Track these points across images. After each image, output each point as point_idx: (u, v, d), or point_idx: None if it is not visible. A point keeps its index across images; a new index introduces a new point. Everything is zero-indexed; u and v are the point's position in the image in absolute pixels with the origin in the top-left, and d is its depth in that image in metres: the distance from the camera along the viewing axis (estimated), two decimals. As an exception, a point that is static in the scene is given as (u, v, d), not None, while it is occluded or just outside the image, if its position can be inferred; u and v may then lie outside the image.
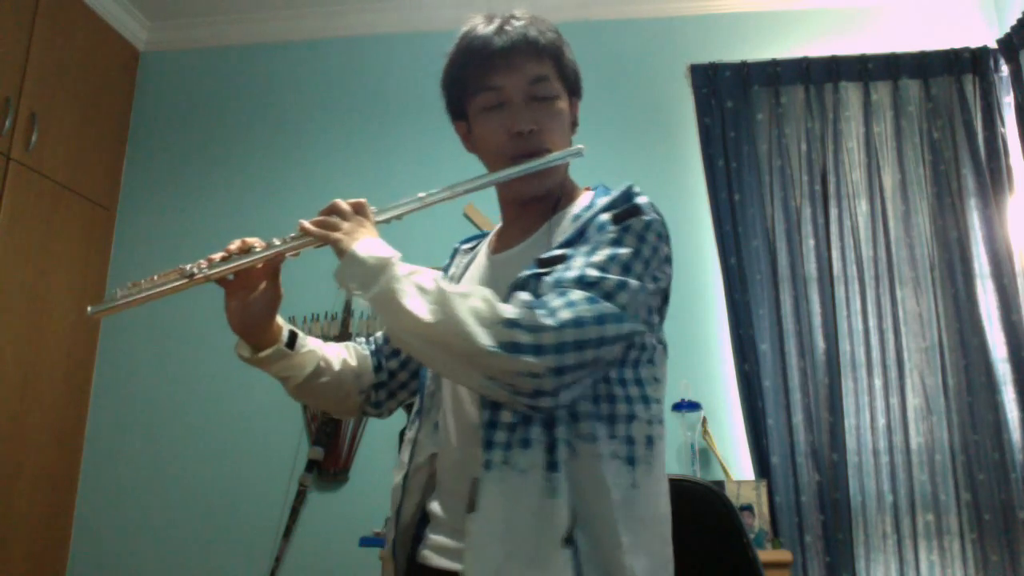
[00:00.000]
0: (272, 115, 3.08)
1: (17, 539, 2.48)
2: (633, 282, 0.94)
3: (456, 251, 1.29)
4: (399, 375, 1.23)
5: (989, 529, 2.37)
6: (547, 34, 1.08)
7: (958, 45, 2.76)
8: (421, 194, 1.07)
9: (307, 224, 1.02)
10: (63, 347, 2.71)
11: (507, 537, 0.88)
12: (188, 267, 1.03)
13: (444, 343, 0.89)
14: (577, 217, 1.05)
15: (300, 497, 2.63)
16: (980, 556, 2.37)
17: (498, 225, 1.23)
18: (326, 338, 1.35)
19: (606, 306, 0.90)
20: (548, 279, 0.94)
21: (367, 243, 0.97)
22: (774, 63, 2.80)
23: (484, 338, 0.86)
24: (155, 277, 1.04)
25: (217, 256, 1.04)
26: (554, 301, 0.90)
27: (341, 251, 0.97)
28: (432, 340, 0.89)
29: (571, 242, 0.99)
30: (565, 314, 0.88)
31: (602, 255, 0.95)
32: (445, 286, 0.91)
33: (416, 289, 0.91)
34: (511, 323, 0.87)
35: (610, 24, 2.98)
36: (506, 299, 0.93)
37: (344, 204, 1.04)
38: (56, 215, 2.68)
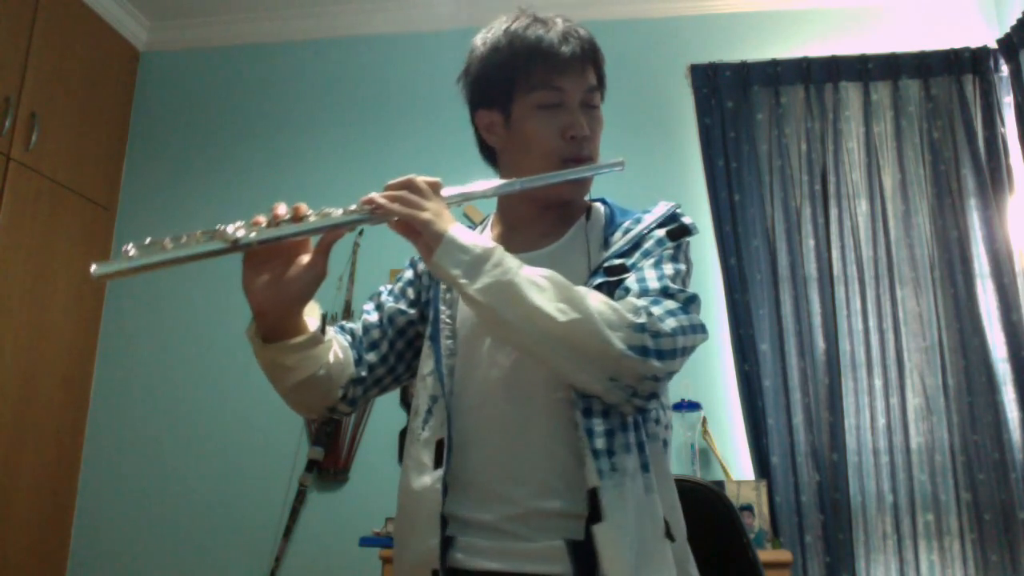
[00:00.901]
0: (272, 115, 3.08)
1: (17, 539, 2.48)
2: (698, 296, 1.00)
3: None
4: (377, 370, 1.14)
5: (989, 529, 2.37)
6: (599, 46, 1.13)
7: (958, 45, 2.76)
8: (496, 182, 1.05)
9: (383, 200, 0.94)
10: (63, 347, 2.71)
11: (635, 541, 0.89)
12: (230, 229, 0.89)
13: (574, 342, 0.89)
14: (627, 230, 1.06)
15: (300, 497, 2.63)
16: (980, 556, 2.36)
17: (487, 219, 1.21)
18: (331, 325, 1.24)
19: (694, 315, 0.97)
20: (632, 287, 0.97)
21: (462, 229, 0.94)
22: (774, 63, 2.80)
23: (619, 341, 0.88)
24: (184, 238, 0.90)
25: (263, 220, 0.94)
26: (655, 309, 0.92)
27: (436, 235, 0.92)
28: (560, 338, 0.88)
29: (626, 253, 1.03)
30: (672, 322, 0.92)
31: (670, 269, 1.00)
32: (563, 282, 0.91)
33: (532, 284, 0.90)
34: (640, 327, 0.90)
35: (610, 24, 2.97)
36: None
37: (422, 182, 0.97)
38: (56, 215, 2.68)
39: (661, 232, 1.05)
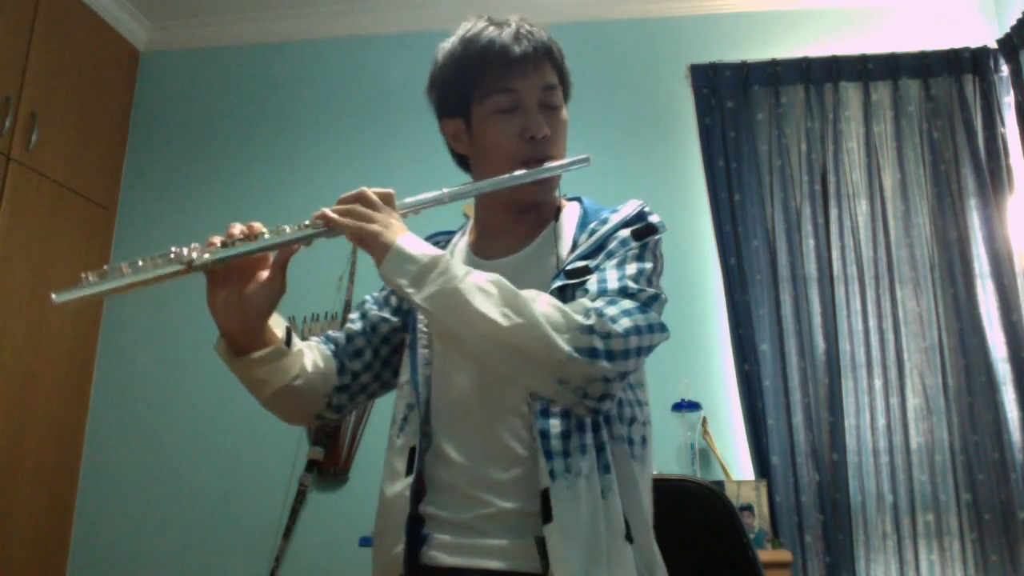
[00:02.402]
0: (272, 115, 3.08)
1: (17, 538, 2.48)
2: (662, 295, 1.00)
3: None
4: (362, 377, 1.16)
5: (989, 529, 2.37)
6: (557, 45, 1.11)
7: (958, 45, 2.76)
8: (445, 189, 1.05)
9: (333, 215, 0.96)
10: (63, 347, 2.71)
11: (585, 542, 0.90)
12: (184, 251, 0.92)
13: (518, 347, 0.88)
14: (592, 231, 1.05)
15: (300, 497, 2.63)
16: (980, 556, 2.36)
17: (466, 225, 1.22)
18: (313, 335, 1.28)
19: (653, 315, 0.96)
20: (590, 288, 0.97)
21: (410, 239, 0.95)
22: (774, 63, 2.80)
23: (563, 344, 0.88)
24: (141, 262, 0.92)
25: (217, 240, 0.96)
26: (609, 309, 0.92)
27: (383, 246, 0.93)
28: (505, 344, 0.89)
29: (590, 255, 1.02)
30: (626, 322, 0.92)
31: (632, 268, 0.99)
32: (512, 287, 0.91)
33: (478, 290, 0.90)
34: (588, 329, 0.89)
35: (610, 24, 2.98)
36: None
37: (373, 194, 0.99)
38: (56, 215, 2.68)
39: (626, 232, 1.04)
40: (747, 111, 2.79)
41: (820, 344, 2.55)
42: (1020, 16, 2.59)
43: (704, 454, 2.52)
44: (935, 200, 2.65)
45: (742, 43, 2.90)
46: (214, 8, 3.12)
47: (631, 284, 0.97)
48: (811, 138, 2.74)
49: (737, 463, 2.53)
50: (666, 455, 2.52)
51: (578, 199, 1.16)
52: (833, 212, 2.67)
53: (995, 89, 2.71)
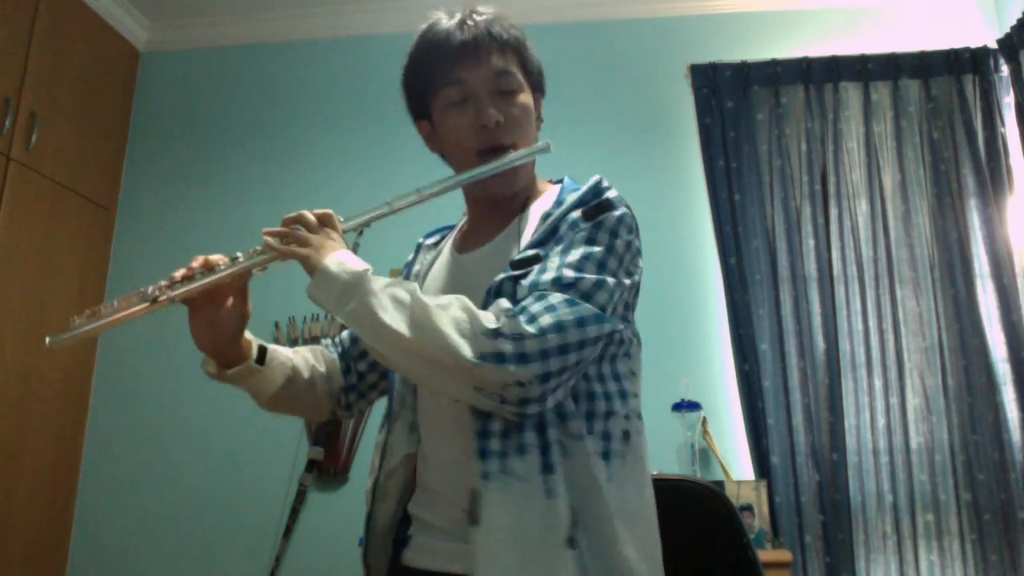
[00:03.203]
0: (272, 115, 3.08)
1: (17, 539, 2.48)
2: (610, 280, 0.94)
3: (420, 246, 1.26)
4: (368, 377, 1.21)
5: (989, 529, 2.37)
6: (510, 30, 1.08)
7: (958, 45, 2.76)
8: (388, 200, 1.04)
9: (271, 240, 0.99)
10: (63, 347, 2.70)
11: (516, 546, 0.87)
12: (149, 290, 0.99)
13: (427, 357, 0.87)
14: (547, 215, 1.02)
15: (300, 497, 2.63)
16: (980, 556, 2.36)
17: (463, 219, 1.22)
18: (325, 338, 1.31)
19: (586, 307, 0.90)
20: (525, 282, 0.94)
21: (338, 257, 0.95)
22: (774, 63, 2.80)
23: (468, 350, 0.86)
24: (115, 302, 1.01)
25: (179, 274, 1.01)
26: (533, 306, 0.89)
27: (311, 267, 0.94)
28: (415, 354, 0.88)
29: (543, 242, 0.99)
30: (546, 319, 0.88)
31: (576, 254, 0.94)
32: (423, 298, 0.90)
33: (393, 302, 0.90)
34: (494, 333, 0.87)
35: (610, 24, 2.98)
36: (484, 305, 0.93)
37: (310, 216, 1.00)
38: (56, 215, 2.68)
39: (576, 213, 0.99)
40: (747, 111, 2.78)
41: (820, 344, 2.55)
42: (1020, 16, 2.59)
43: (704, 454, 2.52)
44: (935, 200, 2.65)
45: (742, 43, 2.90)
46: (214, 8, 3.12)
47: (568, 273, 0.92)
48: (811, 138, 2.74)
49: (737, 463, 2.53)
50: (666, 455, 2.52)
51: (560, 181, 1.13)
52: (833, 212, 2.67)
53: (995, 89, 2.71)
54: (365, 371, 1.20)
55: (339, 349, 1.23)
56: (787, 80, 2.79)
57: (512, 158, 1.04)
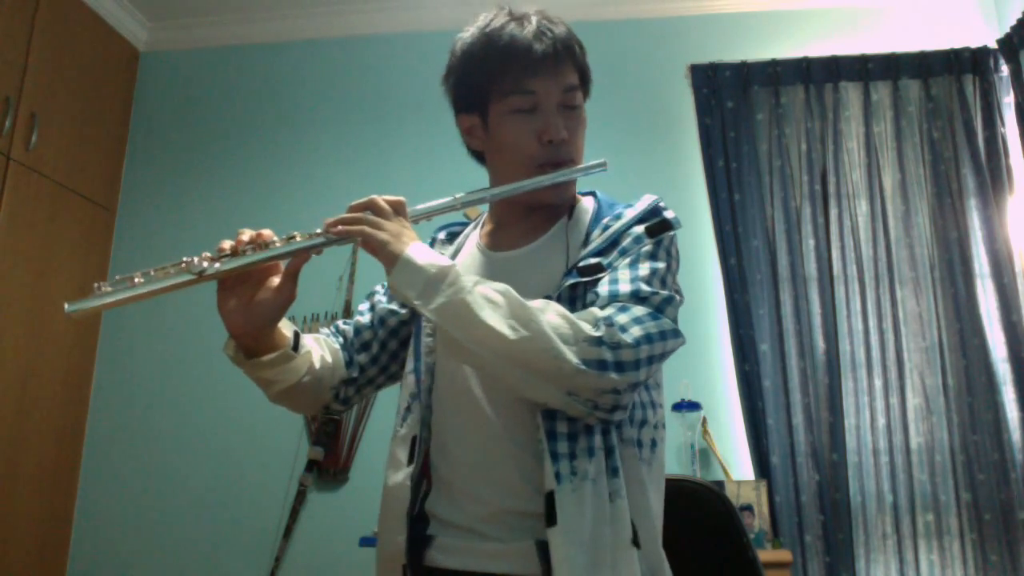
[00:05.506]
0: (272, 115, 3.08)
1: (17, 539, 2.48)
2: (676, 296, 0.99)
3: (434, 240, 1.24)
4: (368, 371, 1.16)
5: (989, 529, 2.37)
6: (580, 44, 1.09)
7: (958, 45, 2.76)
8: (458, 195, 1.04)
9: (344, 224, 0.96)
10: (63, 347, 2.71)
11: (590, 545, 0.88)
12: (195, 260, 0.92)
13: (527, 360, 0.87)
14: (606, 227, 1.04)
15: (300, 497, 2.63)
16: (980, 556, 2.36)
17: (481, 217, 1.21)
18: (323, 327, 1.28)
19: (665, 321, 0.94)
20: (602, 292, 0.95)
21: (420, 248, 0.94)
22: (774, 63, 2.81)
23: (572, 356, 0.87)
24: (152, 271, 0.93)
25: (227, 245, 0.96)
26: (619, 317, 0.91)
27: (392, 256, 0.92)
28: (513, 357, 0.88)
29: (603, 251, 1.01)
30: (636, 331, 0.90)
31: (645, 269, 0.97)
32: (519, 299, 0.90)
33: (487, 302, 0.89)
34: (596, 341, 0.88)
35: (610, 24, 2.98)
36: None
37: (384, 202, 0.98)
38: (56, 215, 2.68)
39: (640, 228, 1.02)
40: (747, 111, 2.79)
41: (820, 344, 2.55)
42: (1020, 16, 2.59)
43: (704, 454, 2.52)
44: (935, 200, 2.65)
45: (742, 43, 2.91)
46: (214, 8, 3.12)
47: (644, 287, 0.95)
48: (811, 138, 2.74)
49: (737, 463, 2.53)
50: (666, 455, 2.51)
51: (592, 193, 1.15)
52: (833, 212, 2.67)
53: (995, 89, 2.71)
54: (366, 364, 1.16)
55: (341, 339, 1.18)
56: (787, 80, 2.79)
57: (573, 172, 1.06)
